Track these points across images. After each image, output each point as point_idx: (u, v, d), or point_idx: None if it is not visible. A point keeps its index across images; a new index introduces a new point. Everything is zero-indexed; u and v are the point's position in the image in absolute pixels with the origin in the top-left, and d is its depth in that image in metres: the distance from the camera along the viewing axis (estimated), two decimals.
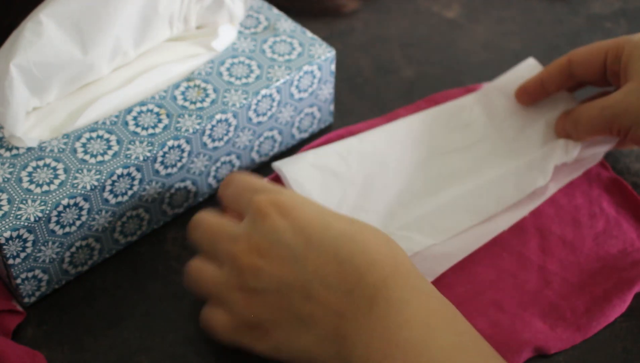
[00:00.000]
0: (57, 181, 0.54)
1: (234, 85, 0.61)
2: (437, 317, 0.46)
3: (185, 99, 0.59)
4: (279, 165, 0.60)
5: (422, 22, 0.78)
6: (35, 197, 0.53)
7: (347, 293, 0.47)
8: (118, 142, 0.57)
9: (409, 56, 0.75)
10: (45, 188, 0.54)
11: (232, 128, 0.60)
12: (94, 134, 0.57)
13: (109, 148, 0.56)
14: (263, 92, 0.60)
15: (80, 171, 0.55)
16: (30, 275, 0.55)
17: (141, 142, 0.57)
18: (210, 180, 0.62)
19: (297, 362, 0.49)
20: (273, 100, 0.62)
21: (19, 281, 0.55)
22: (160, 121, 0.58)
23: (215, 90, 0.60)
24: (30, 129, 0.57)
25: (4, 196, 0.53)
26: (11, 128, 0.55)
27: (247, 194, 0.51)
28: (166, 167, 0.58)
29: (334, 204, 0.59)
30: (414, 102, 0.69)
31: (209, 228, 0.52)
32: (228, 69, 0.62)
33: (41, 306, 0.57)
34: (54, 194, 0.53)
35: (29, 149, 0.56)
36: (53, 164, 0.55)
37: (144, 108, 0.59)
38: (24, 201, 0.53)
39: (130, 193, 0.57)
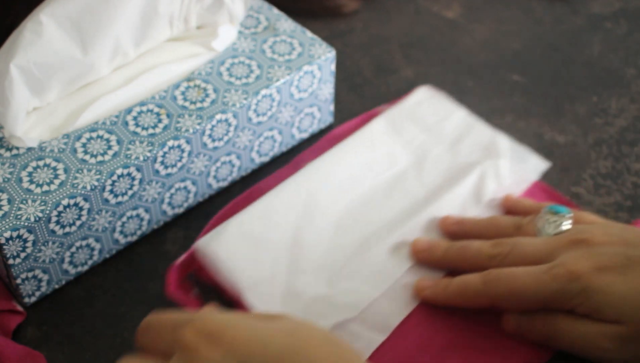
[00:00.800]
0: (57, 181, 0.54)
1: (234, 85, 0.61)
2: None
3: (185, 99, 0.59)
4: (203, 246, 0.56)
5: (422, 22, 0.78)
6: (36, 197, 0.53)
7: None
8: (118, 142, 0.57)
9: (409, 56, 0.75)
10: (45, 188, 0.54)
11: (232, 128, 0.60)
12: (94, 134, 0.57)
13: (109, 148, 0.56)
14: (263, 92, 0.60)
15: (80, 171, 0.55)
16: (30, 275, 0.55)
17: (141, 142, 0.57)
18: (210, 180, 0.62)
19: None
20: (273, 100, 0.62)
21: (19, 281, 0.55)
22: (160, 121, 0.58)
23: (215, 90, 0.60)
24: (30, 129, 0.57)
25: (4, 196, 0.53)
26: (11, 128, 0.55)
27: (168, 333, 0.44)
28: (166, 167, 0.58)
29: (268, 273, 0.55)
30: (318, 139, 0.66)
31: None
32: (228, 69, 0.62)
33: (41, 306, 0.57)
34: (54, 194, 0.53)
35: (29, 149, 0.56)
36: (53, 164, 0.55)
37: (144, 108, 0.59)
38: (24, 201, 0.53)
39: (130, 193, 0.57)
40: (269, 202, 0.59)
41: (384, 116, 0.66)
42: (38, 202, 0.53)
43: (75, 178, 0.54)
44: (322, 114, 0.67)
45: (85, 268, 0.58)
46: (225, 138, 0.60)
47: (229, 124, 0.60)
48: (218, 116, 0.59)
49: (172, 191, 0.60)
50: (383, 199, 0.61)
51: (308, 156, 0.64)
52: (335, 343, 0.43)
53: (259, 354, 0.41)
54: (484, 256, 0.55)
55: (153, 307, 0.57)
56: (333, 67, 0.64)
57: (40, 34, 0.55)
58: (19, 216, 0.52)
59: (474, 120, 0.66)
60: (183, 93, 0.60)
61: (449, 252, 0.57)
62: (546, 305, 0.52)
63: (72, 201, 0.54)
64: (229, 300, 0.55)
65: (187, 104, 0.59)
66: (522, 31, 0.77)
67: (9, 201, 0.53)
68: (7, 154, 0.56)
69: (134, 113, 0.58)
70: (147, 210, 0.59)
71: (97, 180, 0.54)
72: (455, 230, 0.59)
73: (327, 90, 0.65)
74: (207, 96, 0.60)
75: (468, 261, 0.55)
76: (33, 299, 0.56)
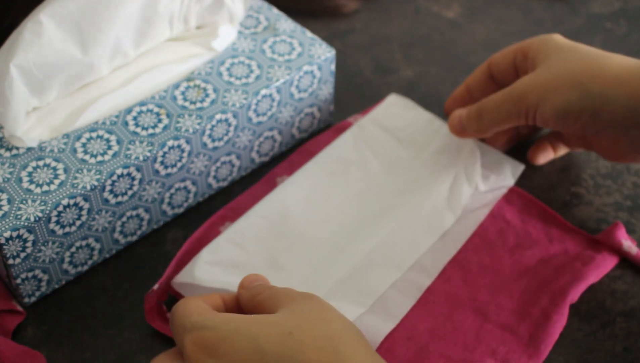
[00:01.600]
0: (57, 181, 0.54)
1: (234, 85, 0.61)
2: None
3: (185, 99, 0.59)
4: (179, 283, 0.55)
5: (422, 22, 0.78)
6: (35, 197, 0.53)
7: None
8: (118, 142, 0.57)
9: (409, 56, 0.75)
10: (45, 188, 0.54)
11: (232, 128, 0.60)
12: (94, 134, 0.57)
13: (109, 148, 0.56)
14: (263, 92, 0.60)
15: (80, 171, 0.55)
16: (30, 275, 0.55)
17: (141, 142, 0.57)
18: (210, 180, 0.62)
19: None
20: (273, 100, 0.62)
21: (19, 281, 0.55)
22: (160, 121, 0.58)
23: (215, 90, 0.60)
24: (30, 129, 0.57)
25: (4, 196, 0.53)
26: (11, 128, 0.55)
27: (179, 334, 0.46)
28: (166, 167, 0.58)
29: None
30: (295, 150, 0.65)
31: None
32: (228, 69, 0.62)
33: (41, 306, 0.57)
34: (54, 194, 0.53)
35: (29, 149, 0.56)
36: (53, 164, 0.55)
37: (144, 108, 0.59)
38: (24, 201, 0.53)
39: (130, 193, 0.57)
40: (240, 226, 0.58)
41: (354, 127, 0.65)
42: (38, 202, 0.53)
43: (75, 178, 0.54)
44: (322, 114, 0.67)
45: (85, 268, 0.58)
46: (225, 138, 0.60)
47: (229, 124, 0.60)
48: (218, 116, 0.59)
49: (172, 191, 0.60)
50: (359, 211, 0.60)
51: (281, 171, 0.64)
52: (335, 348, 0.43)
53: None
54: None
55: None
56: (333, 67, 0.64)
57: (40, 34, 0.55)
58: (19, 216, 0.52)
59: (443, 124, 0.65)
60: (183, 93, 0.60)
61: None
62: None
63: (72, 201, 0.54)
64: None
65: (187, 104, 0.59)
66: (522, 31, 0.77)
67: (9, 201, 0.53)
68: (7, 154, 0.56)
69: (134, 113, 0.58)
70: (147, 210, 0.59)
71: (97, 180, 0.54)
72: None
73: (327, 90, 0.65)
74: (207, 96, 0.60)
75: None
76: (33, 299, 0.56)
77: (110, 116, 0.58)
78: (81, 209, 0.55)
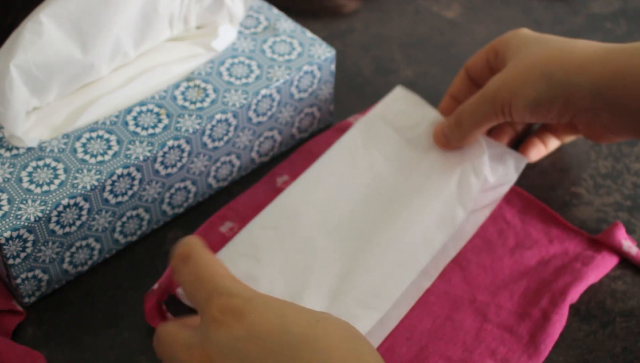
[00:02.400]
0: (57, 181, 0.54)
1: (233, 85, 0.61)
2: None
3: (185, 99, 0.59)
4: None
5: (422, 22, 0.78)
6: (35, 197, 0.53)
7: None
8: (118, 142, 0.57)
9: (408, 56, 0.75)
10: (45, 188, 0.54)
11: (232, 128, 0.60)
12: (94, 134, 0.57)
13: (109, 148, 0.56)
14: (263, 92, 0.60)
15: (80, 171, 0.55)
16: (30, 275, 0.55)
17: (141, 142, 0.57)
18: (210, 180, 0.62)
19: None
20: (273, 100, 0.62)
21: (19, 281, 0.55)
22: (160, 121, 0.58)
23: (215, 90, 0.60)
24: (30, 129, 0.57)
25: (4, 196, 0.53)
26: (11, 128, 0.55)
27: (201, 295, 0.47)
28: (166, 167, 0.58)
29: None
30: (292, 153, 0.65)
31: (166, 340, 0.48)
32: (228, 69, 0.62)
33: (41, 306, 0.57)
34: (54, 194, 0.53)
35: (29, 149, 0.56)
36: (53, 164, 0.55)
37: (144, 108, 0.59)
38: (24, 201, 0.53)
39: (130, 193, 0.57)
40: (250, 234, 0.58)
41: (358, 125, 0.65)
42: (38, 202, 0.53)
43: (75, 178, 0.55)
44: (322, 114, 0.67)
45: (85, 268, 0.58)
46: (225, 138, 0.60)
47: (229, 124, 0.60)
48: (218, 116, 0.59)
49: (172, 191, 0.60)
50: (369, 214, 0.60)
51: (281, 171, 0.63)
52: (357, 344, 0.44)
53: (276, 339, 0.43)
54: None
55: None
56: (333, 67, 0.64)
57: (40, 34, 0.55)
58: (19, 216, 0.52)
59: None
60: (183, 93, 0.60)
61: None
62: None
63: (72, 201, 0.54)
64: None
65: (187, 104, 0.59)
66: None
67: (9, 201, 0.53)
68: (7, 154, 0.56)
69: (134, 113, 0.58)
70: (147, 210, 0.59)
71: (97, 180, 0.54)
72: None
73: (327, 90, 0.65)
74: (207, 96, 0.60)
75: None
76: (33, 299, 0.56)
77: (110, 116, 0.58)
78: (81, 209, 0.55)
